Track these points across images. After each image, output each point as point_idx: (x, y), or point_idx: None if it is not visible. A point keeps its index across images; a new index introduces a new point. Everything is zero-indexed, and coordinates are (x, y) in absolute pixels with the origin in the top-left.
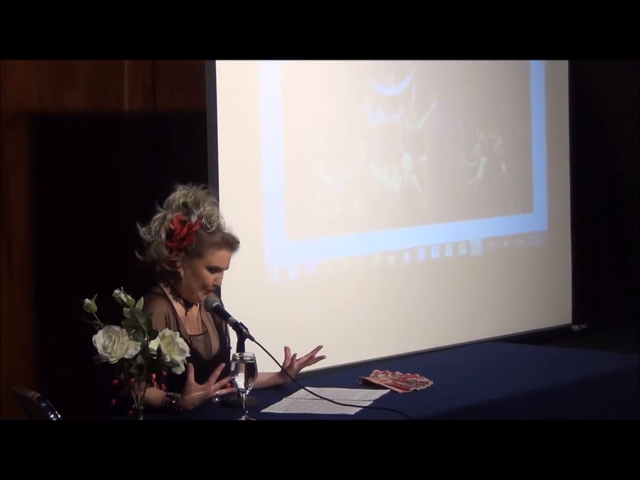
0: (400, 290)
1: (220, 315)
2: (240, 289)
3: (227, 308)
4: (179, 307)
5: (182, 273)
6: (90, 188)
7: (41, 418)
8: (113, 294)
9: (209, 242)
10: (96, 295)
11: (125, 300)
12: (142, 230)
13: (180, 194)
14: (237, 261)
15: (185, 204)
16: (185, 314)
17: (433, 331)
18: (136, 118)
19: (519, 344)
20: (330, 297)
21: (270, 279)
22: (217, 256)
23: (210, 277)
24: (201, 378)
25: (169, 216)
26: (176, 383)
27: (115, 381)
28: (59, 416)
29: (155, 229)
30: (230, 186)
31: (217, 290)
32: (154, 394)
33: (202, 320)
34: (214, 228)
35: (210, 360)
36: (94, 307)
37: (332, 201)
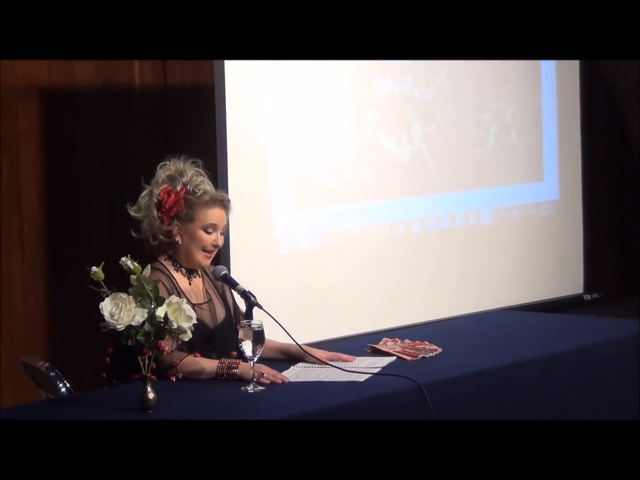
0: (410, 260)
1: (228, 284)
2: (249, 259)
3: (236, 278)
4: (180, 278)
5: (179, 240)
6: (101, 162)
7: (50, 388)
8: (120, 262)
9: (198, 203)
10: (103, 263)
11: (131, 267)
12: (132, 209)
13: (162, 170)
14: (246, 231)
15: (169, 176)
16: (189, 284)
17: (443, 302)
18: (146, 92)
19: (528, 311)
20: (339, 267)
21: (279, 249)
22: (209, 215)
23: (207, 238)
24: (207, 345)
25: (155, 191)
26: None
27: (110, 350)
28: (67, 385)
29: (144, 205)
30: (239, 157)
31: (226, 261)
32: (204, 363)
33: (206, 290)
34: (200, 192)
35: (216, 328)
36: (101, 275)
37: (341, 171)
